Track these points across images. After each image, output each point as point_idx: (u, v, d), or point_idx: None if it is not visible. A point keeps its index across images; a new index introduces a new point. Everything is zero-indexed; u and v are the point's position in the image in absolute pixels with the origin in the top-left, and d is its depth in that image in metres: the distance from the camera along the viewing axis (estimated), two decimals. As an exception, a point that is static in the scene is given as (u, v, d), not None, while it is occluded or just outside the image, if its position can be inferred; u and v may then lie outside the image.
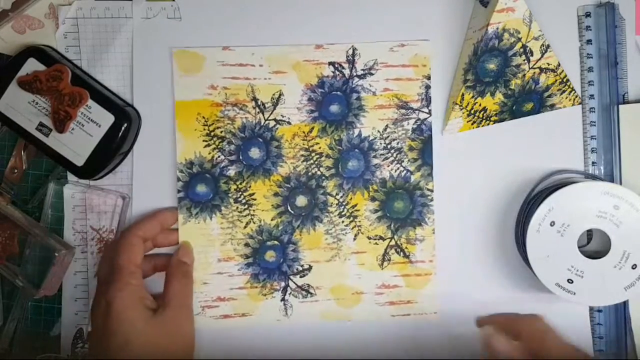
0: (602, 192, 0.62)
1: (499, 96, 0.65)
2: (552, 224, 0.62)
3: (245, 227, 0.67)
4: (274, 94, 0.67)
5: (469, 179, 0.67)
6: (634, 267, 0.61)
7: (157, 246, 0.67)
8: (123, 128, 0.64)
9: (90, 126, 0.63)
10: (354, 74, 0.66)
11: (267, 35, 0.67)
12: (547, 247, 0.62)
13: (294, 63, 0.67)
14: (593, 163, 0.66)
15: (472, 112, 0.65)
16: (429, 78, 0.66)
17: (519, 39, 0.63)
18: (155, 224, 0.65)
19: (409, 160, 0.67)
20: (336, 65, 0.66)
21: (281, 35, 0.67)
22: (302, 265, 0.67)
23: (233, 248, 0.67)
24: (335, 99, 0.67)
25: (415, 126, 0.66)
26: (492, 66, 0.64)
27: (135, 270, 0.62)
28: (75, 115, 0.63)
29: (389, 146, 0.67)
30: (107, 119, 0.63)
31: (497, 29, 0.62)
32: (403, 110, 0.66)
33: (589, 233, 0.66)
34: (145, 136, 0.67)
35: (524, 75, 0.64)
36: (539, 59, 0.64)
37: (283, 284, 0.68)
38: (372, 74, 0.66)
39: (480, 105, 0.65)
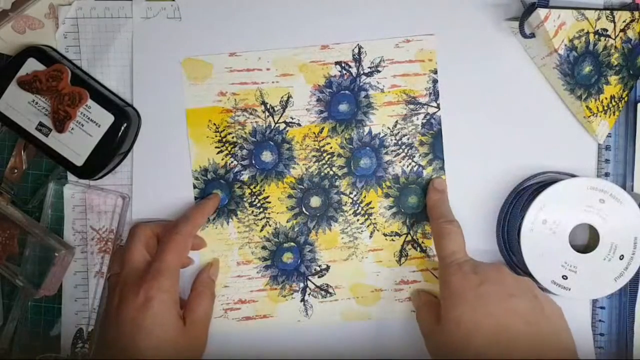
0: (587, 187, 0.61)
1: (613, 79, 0.63)
2: (544, 222, 0.61)
3: (261, 230, 0.66)
4: (282, 97, 0.65)
5: (481, 170, 0.66)
6: (622, 257, 0.61)
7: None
8: (123, 128, 0.62)
9: (90, 126, 0.62)
10: (361, 72, 0.65)
11: (272, 39, 0.65)
12: (541, 245, 0.61)
13: (301, 64, 0.65)
14: (606, 160, 0.66)
15: (606, 107, 0.63)
16: (435, 72, 0.65)
17: (588, 33, 0.61)
18: (204, 218, 0.65)
19: (420, 155, 0.65)
20: (343, 65, 0.65)
21: (286, 37, 0.65)
22: (319, 266, 0.66)
23: (251, 251, 0.66)
24: (344, 98, 0.65)
25: (424, 121, 0.65)
26: (587, 69, 0.62)
27: (178, 274, 0.60)
28: (74, 115, 0.62)
29: (399, 142, 0.65)
30: (106, 119, 0.62)
31: (565, 45, 0.61)
32: (412, 106, 0.65)
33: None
34: (145, 136, 0.66)
35: (615, 47, 0.62)
36: (614, 27, 0.62)
37: (302, 284, 0.66)
38: (379, 71, 0.65)
39: (607, 98, 0.63)
